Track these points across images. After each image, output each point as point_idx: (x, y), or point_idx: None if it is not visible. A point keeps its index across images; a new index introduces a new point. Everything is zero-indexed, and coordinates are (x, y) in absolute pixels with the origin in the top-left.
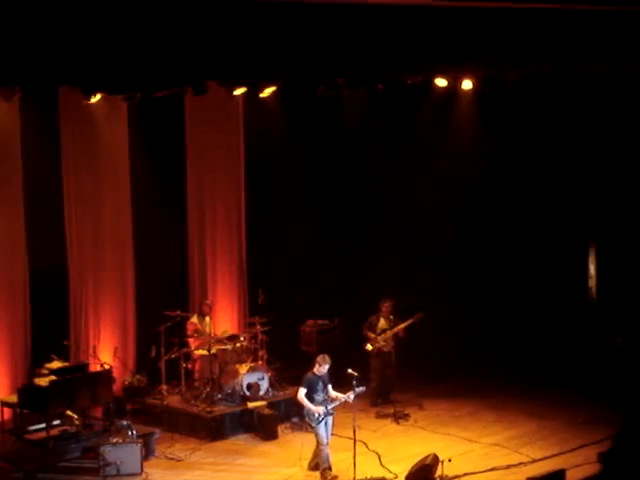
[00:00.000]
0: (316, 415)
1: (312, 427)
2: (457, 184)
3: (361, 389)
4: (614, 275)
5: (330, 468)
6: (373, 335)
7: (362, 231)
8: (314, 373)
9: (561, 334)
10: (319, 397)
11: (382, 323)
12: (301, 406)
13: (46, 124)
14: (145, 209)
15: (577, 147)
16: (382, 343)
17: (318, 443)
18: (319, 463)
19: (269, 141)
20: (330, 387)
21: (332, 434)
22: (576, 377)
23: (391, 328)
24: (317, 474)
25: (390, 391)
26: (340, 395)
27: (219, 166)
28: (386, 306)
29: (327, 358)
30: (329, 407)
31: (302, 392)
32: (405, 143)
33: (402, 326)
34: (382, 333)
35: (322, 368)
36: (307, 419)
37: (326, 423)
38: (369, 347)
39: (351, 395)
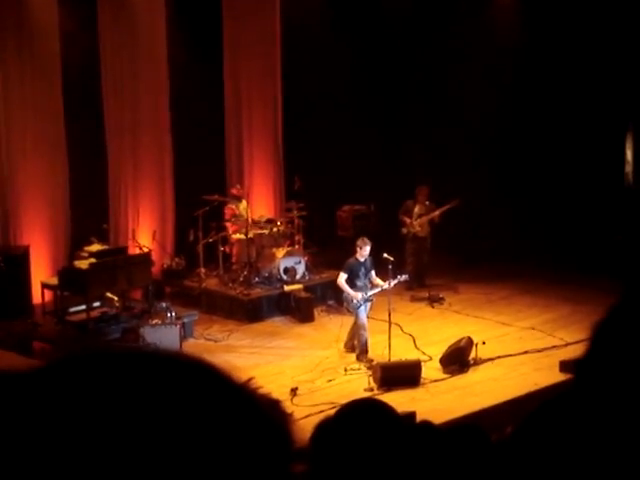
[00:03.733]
0: (354, 301)
1: (351, 311)
2: (495, 71)
3: (403, 277)
4: None
5: (367, 352)
6: (409, 220)
7: (400, 117)
8: (356, 259)
9: (597, 220)
10: (360, 283)
11: (418, 208)
12: (339, 290)
13: (84, 11)
14: (183, 97)
15: (616, 31)
16: (418, 228)
17: (358, 327)
18: (355, 345)
19: (306, 27)
20: (373, 273)
21: (368, 317)
22: (611, 263)
23: (427, 213)
24: (353, 356)
25: (425, 275)
26: (381, 282)
27: (256, 53)
28: (422, 192)
29: (366, 240)
30: (368, 294)
31: (342, 277)
32: (443, 31)
33: (438, 212)
34: (418, 218)
35: (363, 251)
36: (345, 304)
37: (365, 308)
38: (404, 231)
39: (391, 282)
